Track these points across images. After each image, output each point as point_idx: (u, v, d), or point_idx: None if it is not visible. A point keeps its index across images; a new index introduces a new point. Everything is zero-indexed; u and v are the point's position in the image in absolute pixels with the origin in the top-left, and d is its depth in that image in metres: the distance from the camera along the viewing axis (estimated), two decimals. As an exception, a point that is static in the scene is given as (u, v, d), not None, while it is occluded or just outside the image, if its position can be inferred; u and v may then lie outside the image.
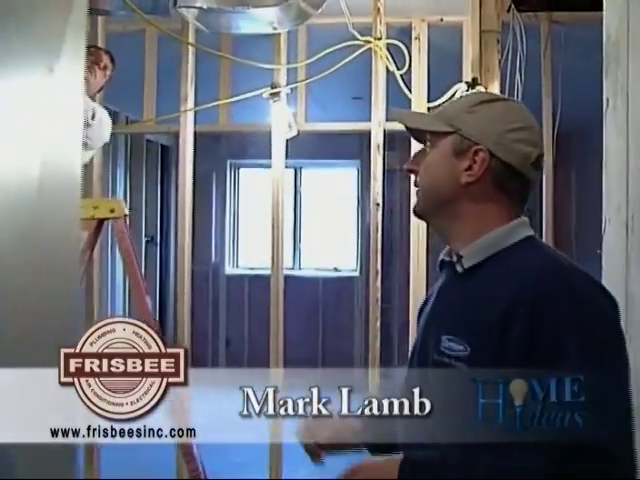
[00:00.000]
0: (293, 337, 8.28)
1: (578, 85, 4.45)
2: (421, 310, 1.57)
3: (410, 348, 1.55)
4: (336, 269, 8.45)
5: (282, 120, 3.81)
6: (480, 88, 3.57)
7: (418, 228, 3.78)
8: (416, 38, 3.91)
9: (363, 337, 8.03)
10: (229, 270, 8.53)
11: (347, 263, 8.47)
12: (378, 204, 3.77)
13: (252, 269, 8.24)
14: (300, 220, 8.56)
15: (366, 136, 7.20)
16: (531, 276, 1.29)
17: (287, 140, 3.88)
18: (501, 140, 1.39)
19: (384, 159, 3.86)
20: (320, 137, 7.88)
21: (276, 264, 3.87)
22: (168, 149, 8.15)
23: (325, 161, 8.44)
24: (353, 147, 8.05)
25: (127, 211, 3.31)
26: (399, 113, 1.65)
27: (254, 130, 4.31)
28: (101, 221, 3.10)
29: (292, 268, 8.45)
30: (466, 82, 3.62)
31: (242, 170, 8.69)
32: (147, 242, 7.52)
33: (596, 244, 2.46)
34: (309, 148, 8.00)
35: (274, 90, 3.72)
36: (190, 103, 3.91)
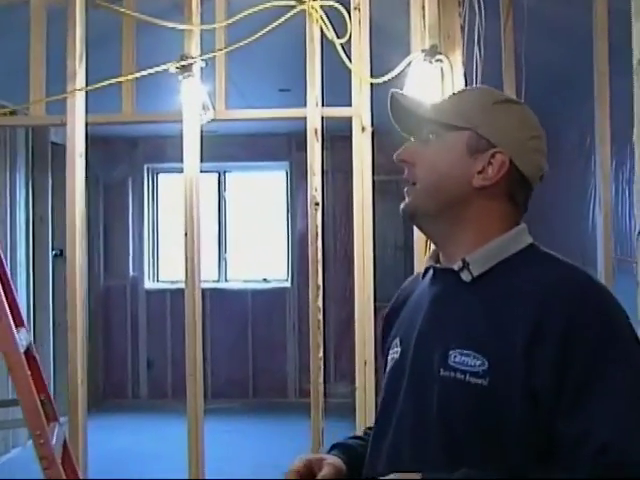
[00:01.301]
0: (220, 354, 7.60)
1: (542, 63, 3.83)
2: (390, 321, 1.49)
3: (377, 362, 1.54)
4: (265, 280, 7.69)
5: (195, 100, 3.01)
6: (441, 57, 2.86)
7: (363, 233, 3.05)
8: (356, 8, 3.15)
9: (297, 352, 7.33)
10: (149, 284, 7.68)
11: (277, 273, 7.71)
12: (317, 203, 3.02)
13: (174, 283, 7.38)
14: (225, 228, 7.77)
15: (295, 135, 6.59)
16: (555, 291, 1.22)
17: (202, 129, 3.08)
18: (522, 147, 1.34)
19: (322, 151, 3.09)
20: (245, 138, 7.20)
21: (190, 279, 3.10)
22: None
23: (251, 163, 7.68)
24: (281, 147, 7.34)
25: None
26: (399, 94, 1.43)
27: (163, 119, 3.46)
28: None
29: (218, 280, 7.66)
30: (423, 50, 2.89)
31: (161, 175, 7.85)
32: (55, 256, 6.60)
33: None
34: (233, 150, 7.29)
35: (184, 62, 2.91)
36: (80, 82, 3.08)
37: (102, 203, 7.57)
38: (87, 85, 3.13)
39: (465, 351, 1.22)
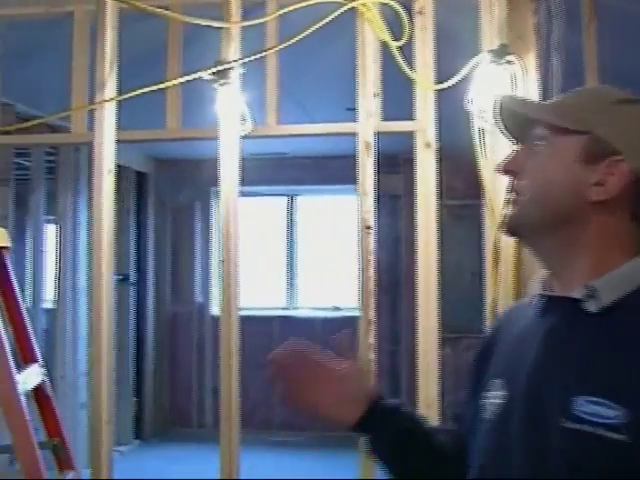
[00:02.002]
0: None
1: (629, 71, 3.39)
2: (484, 357, 1.27)
3: (463, 405, 1.30)
4: (336, 308, 7.33)
5: (232, 110, 2.69)
6: (511, 58, 2.47)
7: (427, 259, 2.67)
8: (419, 12, 2.79)
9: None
10: (216, 311, 7.39)
11: (348, 301, 7.34)
12: (368, 227, 2.65)
13: (243, 309, 7.09)
14: (295, 253, 7.46)
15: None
16: None
17: (243, 138, 2.75)
18: None
19: (378, 173, 2.73)
20: (315, 160, 6.91)
21: (227, 308, 2.78)
22: (145, 176, 7.09)
23: (321, 187, 7.36)
24: (352, 170, 6.97)
25: (5, 242, 2.20)
26: (507, 97, 1.28)
27: (205, 135, 3.14)
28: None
29: (287, 308, 7.36)
30: (491, 50, 2.51)
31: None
32: (120, 281, 6.41)
33: None
34: (303, 172, 7.01)
35: (220, 67, 2.60)
36: (109, 92, 2.80)
37: (170, 227, 7.38)
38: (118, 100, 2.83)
39: (594, 398, 1.01)
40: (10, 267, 2.25)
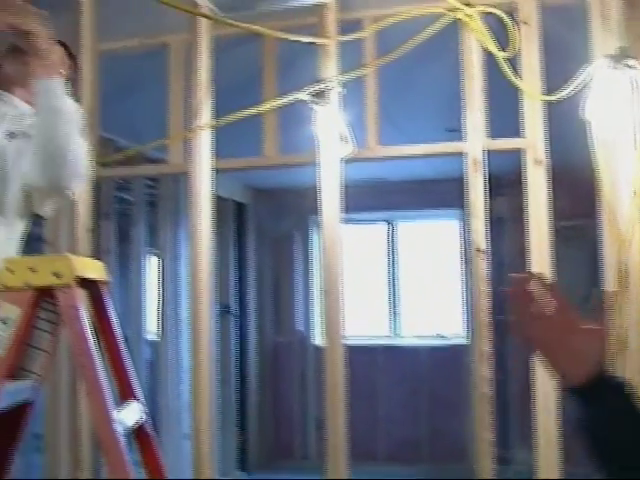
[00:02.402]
0: (393, 414, 7.07)
1: None
2: None
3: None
4: (441, 336, 7.08)
5: (331, 130, 2.56)
6: (631, 62, 2.26)
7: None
8: (524, 22, 2.61)
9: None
10: (319, 340, 7.26)
11: (453, 328, 7.09)
12: (480, 250, 2.46)
13: (347, 338, 6.94)
14: (397, 280, 7.26)
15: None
16: None
17: (344, 161, 2.62)
18: None
19: (490, 196, 2.55)
20: (414, 184, 6.72)
21: (331, 339, 2.64)
22: (244, 207, 7.06)
23: (422, 212, 7.16)
24: (453, 193, 6.75)
25: (104, 276, 2.12)
26: None
27: (304, 161, 3.02)
28: (42, 292, 1.92)
29: (389, 336, 7.16)
30: (608, 55, 2.30)
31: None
32: (222, 312, 6.38)
33: None
34: (402, 197, 6.84)
35: (319, 88, 2.48)
36: (205, 118, 2.72)
37: (270, 257, 7.33)
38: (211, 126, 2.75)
39: None
40: (109, 301, 2.17)
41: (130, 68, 3.61)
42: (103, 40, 3.22)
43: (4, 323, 1.89)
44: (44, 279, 1.91)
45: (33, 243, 4.45)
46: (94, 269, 2.15)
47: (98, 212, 5.40)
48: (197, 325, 2.74)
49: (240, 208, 7.03)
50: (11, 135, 1.93)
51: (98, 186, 5.28)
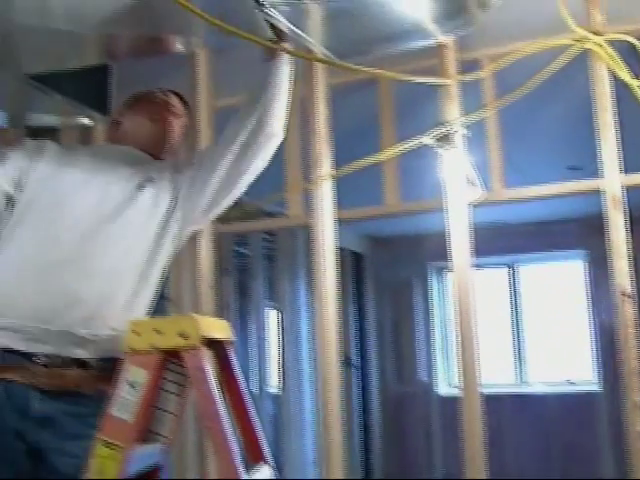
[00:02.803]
0: (524, 465, 6.72)
1: None
2: None
3: None
4: (571, 382, 6.73)
5: (458, 174, 2.44)
6: None
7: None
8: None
9: (613, 465, 6.22)
10: (444, 390, 7.02)
11: (583, 375, 6.72)
12: (626, 294, 2.26)
13: (484, 387, 6.69)
14: (521, 326, 6.97)
15: (592, 218, 5.75)
16: None
17: (472, 206, 2.49)
18: None
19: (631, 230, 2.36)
20: (535, 226, 6.47)
21: (467, 385, 2.47)
22: (361, 256, 6.98)
23: (544, 254, 6.88)
24: (576, 234, 6.48)
25: (229, 335, 2.06)
26: None
27: (428, 207, 2.89)
28: (168, 353, 1.86)
29: (517, 384, 6.85)
30: None
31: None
32: (343, 364, 6.26)
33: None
34: (523, 240, 6.60)
35: (442, 130, 2.37)
36: (326, 168, 2.65)
37: (389, 306, 7.19)
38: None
39: None
40: (235, 361, 2.09)
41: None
42: (220, 96, 3.23)
43: (132, 387, 1.84)
44: (170, 341, 1.85)
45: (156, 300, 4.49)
46: (219, 328, 2.09)
47: (218, 268, 5.45)
48: (324, 378, 2.64)
49: (357, 258, 6.95)
50: (140, 186, 1.92)
51: (218, 242, 5.34)
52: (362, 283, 7.00)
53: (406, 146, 2.54)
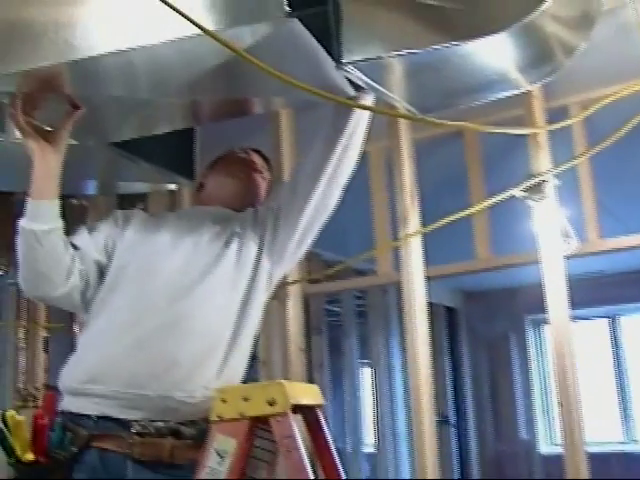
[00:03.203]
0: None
1: None
2: None
3: None
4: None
5: (551, 226, 2.33)
6: None
7: None
8: None
9: None
10: (546, 449, 6.72)
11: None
12: None
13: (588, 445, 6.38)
14: (625, 380, 6.64)
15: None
16: None
17: (567, 258, 2.37)
18: None
19: None
20: (636, 274, 6.19)
21: (570, 444, 2.33)
22: (454, 311, 6.82)
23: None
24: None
25: (319, 400, 1.99)
26: None
27: (521, 261, 2.77)
28: (256, 420, 1.81)
29: (624, 442, 6.49)
30: None
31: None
32: (439, 422, 6.08)
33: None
34: (624, 289, 6.33)
35: (532, 181, 2.27)
36: (413, 225, 2.58)
37: (486, 362, 6.98)
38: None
39: None
40: (325, 426, 2.02)
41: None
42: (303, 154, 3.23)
43: (220, 456, 1.79)
44: (258, 408, 1.80)
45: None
46: (309, 394, 2.03)
47: (309, 327, 5.41)
48: (419, 438, 2.54)
49: (451, 312, 6.80)
50: (226, 242, 1.92)
51: (308, 302, 5.31)
52: (456, 338, 6.83)
53: (496, 199, 2.45)
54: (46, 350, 3.21)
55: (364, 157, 3.07)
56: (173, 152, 2.52)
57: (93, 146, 2.35)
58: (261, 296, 1.97)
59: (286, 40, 1.66)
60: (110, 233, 1.92)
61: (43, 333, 3.26)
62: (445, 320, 6.69)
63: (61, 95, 1.85)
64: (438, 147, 3.10)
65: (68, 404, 1.80)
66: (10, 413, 1.77)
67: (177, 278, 1.85)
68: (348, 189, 3.40)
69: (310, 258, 4.86)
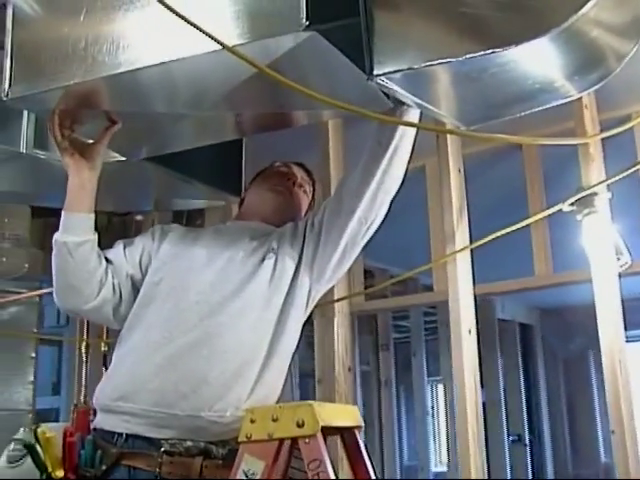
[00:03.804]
0: None
1: None
2: None
3: None
4: None
5: (603, 243, 2.20)
6: None
7: None
8: None
9: None
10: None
11: None
12: None
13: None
14: None
15: None
16: None
17: (620, 276, 2.24)
18: None
19: None
20: None
21: (624, 474, 2.19)
22: (529, 328, 6.62)
23: None
24: None
25: (357, 422, 1.93)
26: None
27: (577, 279, 2.64)
28: (285, 442, 1.75)
29: None
30: None
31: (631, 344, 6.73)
32: (512, 442, 5.91)
33: None
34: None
35: (582, 194, 2.15)
36: (461, 241, 2.48)
37: (562, 380, 6.73)
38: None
39: None
40: (362, 447, 1.96)
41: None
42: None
43: (248, 478, 1.74)
44: (286, 429, 1.75)
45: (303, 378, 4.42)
46: (345, 415, 1.97)
47: (376, 344, 5.33)
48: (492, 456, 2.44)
49: (525, 329, 6.60)
50: (262, 258, 1.89)
51: (374, 318, 5.25)
52: (531, 356, 6.61)
53: (543, 214, 2.33)
54: (105, 365, 3.23)
55: (422, 170, 3.01)
56: (221, 169, 2.51)
57: (149, 166, 2.37)
58: (299, 313, 1.92)
59: (311, 53, 1.61)
60: (146, 248, 1.92)
61: (104, 348, 3.29)
62: (520, 337, 6.49)
63: (99, 110, 1.85)
64: (497, 161, 3.01)
65: (100, 421, 1.79)
66: (42, 429, 1.77)
67: (210, 294, 1.82)
68: (414, 203, 3.34)
69: (375, 272, 4.79)
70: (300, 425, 1.73)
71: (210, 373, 1.75)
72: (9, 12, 1.82)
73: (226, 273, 1.85)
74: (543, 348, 6.74)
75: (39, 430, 1.77)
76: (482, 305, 5.75)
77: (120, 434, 1.74)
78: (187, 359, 1.76)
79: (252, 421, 1.75)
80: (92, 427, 1.81)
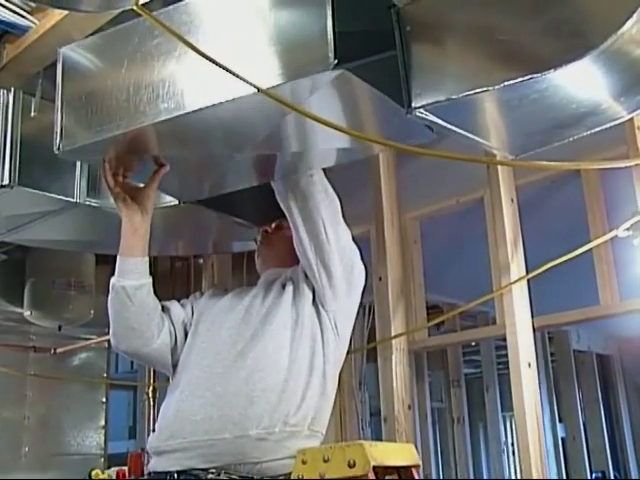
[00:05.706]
0: None
1: None
2: None
3: None
4: None
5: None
6: None
7: None
8: None
9: None
10: None
11: None
12: None
13: None
14: None
15: None
16: None
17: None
18: None
19: None
20: None
21: None
22: (608, 359, 6.38)
23: None
24: None
25: (413, 460, 1.88)
26: None
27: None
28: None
29: None
30: None
31: None
32: (596, 479, 5.68)
33: None
34: None
35: (638, 218, 2.07)
36: (517, 270, 2.42)
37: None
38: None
39: None
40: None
41: (451, 227, 3.51)
42: (421, 206, 3.19)
43: (301, 519, 1.71)
44: (338, 470, 1.72)
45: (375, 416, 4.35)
46: (400, 454, 1.93)
47: (447, 380, 5.22)
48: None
49: (604, 360, 6.36)
50: (283, 286, 1.94)
51: (445, 354, 5.15)
52: (611, 387, 6.37)
53: (598, 241, 2.26)
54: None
55: (481, 202, 2.97)
56: (272, 212, 2.53)
57: (207, 212, 2.41)
58: (329, 335, 1.91)
59: (345, 91, 1.61)
60: (192, 303, 2.01)
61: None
62: (598, 368, 6.26)
63: (147, 156, 1.89)
64: (557, 188, 2.94)
65: (153, 465, 1.80)
66: (96, 471, 1.79)
67: (240, 326, 1.88)
68: (478, 234, 3.27)
69: (444, 309, 4.71)
70: (351, 465, 1.70)
71: (252, 393, 1.76)
72: (59, 67, 1.87)
73: (252, 306, 1.92)
74: (624, 379, 6.49)
75: (93, 472, 1.78)
76: (556, 336, 5.61)
77: (171, 472, 1.74)
78: (227, 384, 1.78)
79: (304, 462, 1.73)
80: (147, 472, 1.82)
